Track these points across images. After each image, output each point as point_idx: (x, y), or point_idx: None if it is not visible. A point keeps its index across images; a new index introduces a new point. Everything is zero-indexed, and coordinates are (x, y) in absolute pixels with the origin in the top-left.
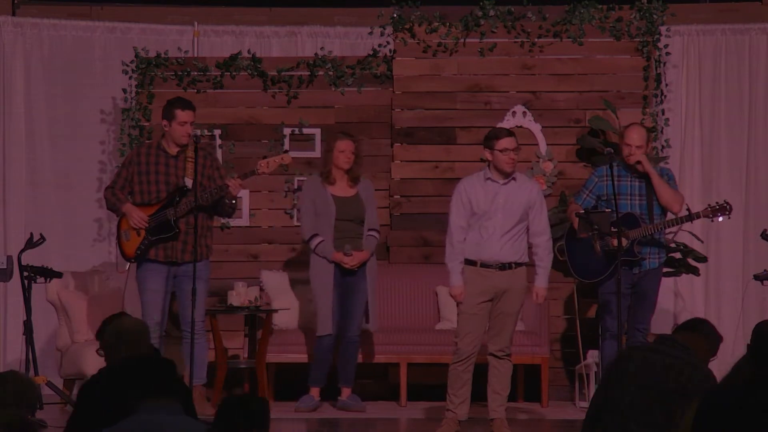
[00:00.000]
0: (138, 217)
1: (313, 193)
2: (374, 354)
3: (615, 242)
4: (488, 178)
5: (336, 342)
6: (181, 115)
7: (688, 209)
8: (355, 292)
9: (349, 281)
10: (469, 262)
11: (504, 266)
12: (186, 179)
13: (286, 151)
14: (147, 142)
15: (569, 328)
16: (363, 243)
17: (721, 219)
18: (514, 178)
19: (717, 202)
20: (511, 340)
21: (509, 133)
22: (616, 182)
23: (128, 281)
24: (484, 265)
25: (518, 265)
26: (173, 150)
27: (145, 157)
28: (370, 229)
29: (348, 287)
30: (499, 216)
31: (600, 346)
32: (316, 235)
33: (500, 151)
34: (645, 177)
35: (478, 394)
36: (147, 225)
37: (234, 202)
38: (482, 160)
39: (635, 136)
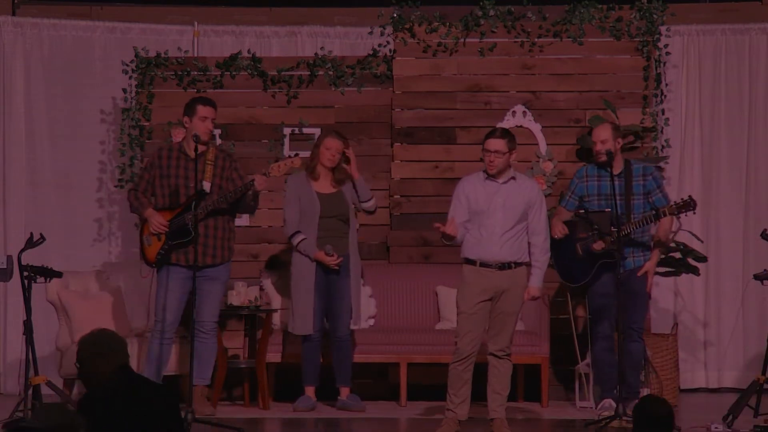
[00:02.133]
0: (157, 222)
1: (298, 190)
2: (374, 354)
3: (596, 246)
4: (488, 177)
5: (325, 341)
6: (202, 109)
7: (654, 208)
8: (339, 290)
9: (332, 280)
10: (468, 261)
11: (504, 266)
12: (204, 183)
13: (296, 154)
14: (168, 144)
15: (569, 328)
16: (348, 243)
17: (686, 215)
18: (513, 178)
19: (682, 198)
20: (511, 340)
21: (499, 134)
22: (595, 182)
23: (152, 285)
24: (483, 265)
25: (518, 264)
26: (192, 152)
27: (166, 160)
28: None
29: (332, 286)
30: (499, 215)
31: (591, 351)
32: (298, 232)
33: (484, 151)
34: (623, 176)
35: (478, 394)
36: (166, 230)
37: (257, 197)
38: (481, 160)
39: (597, 132)
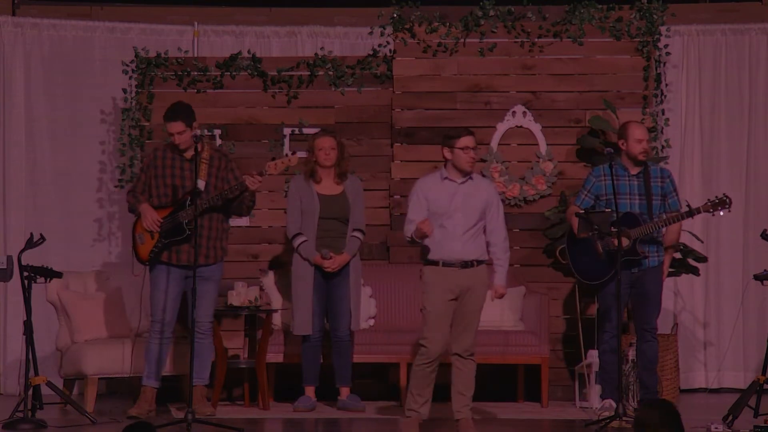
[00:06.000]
0: (151, 218)
1: (299, 191)
2: (374, 354)
3: (616, 242)
4: (446, 178)
5: (325, 342)
6: (167, 128)
7: (688, 205)
8: (338, 292)
9: (332, 282)
10: (430, 263)
11: (466, 264)
12: (199, 181)
13: (293, 153)
14: (162, 144)
15: (569, 328)
16: (345, 244)
17: (722, 213)
18: (471, 178)
19: (717, 197)
20: (475, 339)
21: (469, 132)
22: (615, 182)
23: (144, 284)
24: (446, 264)
25: (479, 263)
26: (187, 153)
27: (161, 160)
28: (354, 229)
29: (331, 288)
30: (459, 215)
31: (598, 353)
32: (299, 234)
33: (461, 149)
34: (642, 176)
35: (443, 395)
36: (159, 227)
37: (253, 198)
38: (483, 160)
39: (638, 131)
